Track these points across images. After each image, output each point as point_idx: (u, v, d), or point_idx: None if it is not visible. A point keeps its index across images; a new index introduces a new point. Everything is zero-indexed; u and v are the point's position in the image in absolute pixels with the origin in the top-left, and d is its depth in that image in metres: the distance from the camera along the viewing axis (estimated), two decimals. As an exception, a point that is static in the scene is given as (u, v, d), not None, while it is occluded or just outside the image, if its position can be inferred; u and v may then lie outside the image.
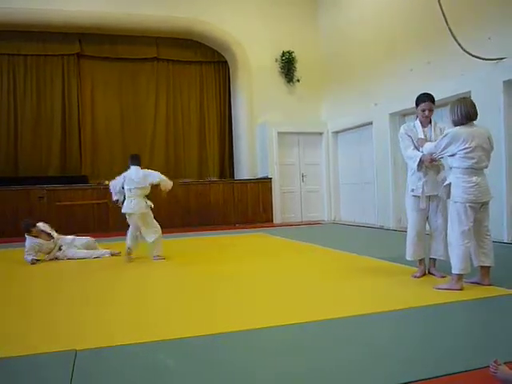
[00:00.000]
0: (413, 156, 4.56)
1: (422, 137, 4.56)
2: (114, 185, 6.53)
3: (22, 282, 5.42)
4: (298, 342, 2.95)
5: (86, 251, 6.78)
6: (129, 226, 6.52)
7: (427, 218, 4.67)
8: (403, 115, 9.41)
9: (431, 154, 4.32)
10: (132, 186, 6.35)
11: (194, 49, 12.35)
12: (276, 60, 12.10)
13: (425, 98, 4.61)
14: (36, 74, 11.55)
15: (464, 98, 4.25)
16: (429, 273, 4.72)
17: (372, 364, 2.53)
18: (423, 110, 4.59)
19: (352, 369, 2.48)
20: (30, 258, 6.37)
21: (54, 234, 6.79)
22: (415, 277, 4.63)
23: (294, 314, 3.50)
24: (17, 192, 10.04)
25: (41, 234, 6.64)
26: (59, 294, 4.60)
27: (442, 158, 4.36)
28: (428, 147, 4.35)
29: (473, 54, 6.86)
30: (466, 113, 4.03)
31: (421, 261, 4.70)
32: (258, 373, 2.48)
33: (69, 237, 6.91)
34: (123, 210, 6.41)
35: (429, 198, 4.57)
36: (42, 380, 2.49)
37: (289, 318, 3.37)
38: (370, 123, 10.17)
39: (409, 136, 4.65)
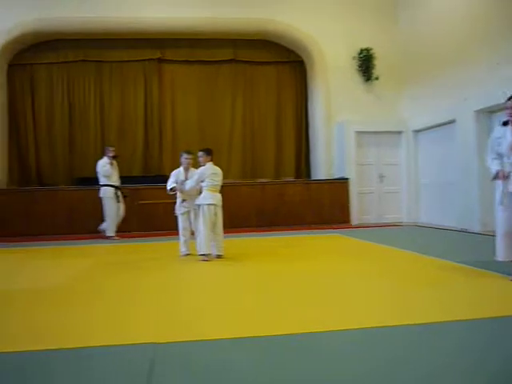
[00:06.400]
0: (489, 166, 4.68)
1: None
2: None
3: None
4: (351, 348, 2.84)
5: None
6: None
7: None
8: (489, 112, 8.89)
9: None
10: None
11: (270, 49, 12.39)
12: (353, 58, 11.86)
13: None
14: (120, 79, 12.14)
15: None
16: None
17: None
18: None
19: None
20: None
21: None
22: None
23: (356, 319, 3.40)
24: (103, 191, 10.58)
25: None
26: (127, 288, 4.74)
27: None
28: None
29: None
30: None
31: None
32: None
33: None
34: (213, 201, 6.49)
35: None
36: (120, 371, 2.57)
37: (350, 323, 3.28)
38: (453, 121, 9.71)
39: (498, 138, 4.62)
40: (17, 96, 11.83)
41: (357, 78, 11.92)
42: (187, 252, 6.82)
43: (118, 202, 9.53)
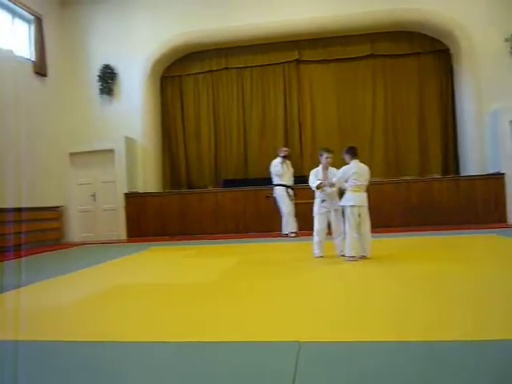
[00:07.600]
0: None
1: None
2: None
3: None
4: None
5: None
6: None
7: None
8: None
9: None
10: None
11: (410, 40, 11.82)
12: (506, 40, 10.78)
13: None
14: (260, 83, 12.54)
15: None
16: None
17: None
18: None
19: None
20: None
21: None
22: None
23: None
24: (246, 192, 11.04)
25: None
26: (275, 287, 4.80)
27: None
28: None
29: None
30: None
31: None
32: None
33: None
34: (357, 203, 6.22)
35: None
36: (266, 367, 2.61)
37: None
38: None
39: None
40: (168, 106, 12.91)
41: (511, 61, 10.83)
42: (321, 254, 6.64)
43: (291, 200, 9.88)
